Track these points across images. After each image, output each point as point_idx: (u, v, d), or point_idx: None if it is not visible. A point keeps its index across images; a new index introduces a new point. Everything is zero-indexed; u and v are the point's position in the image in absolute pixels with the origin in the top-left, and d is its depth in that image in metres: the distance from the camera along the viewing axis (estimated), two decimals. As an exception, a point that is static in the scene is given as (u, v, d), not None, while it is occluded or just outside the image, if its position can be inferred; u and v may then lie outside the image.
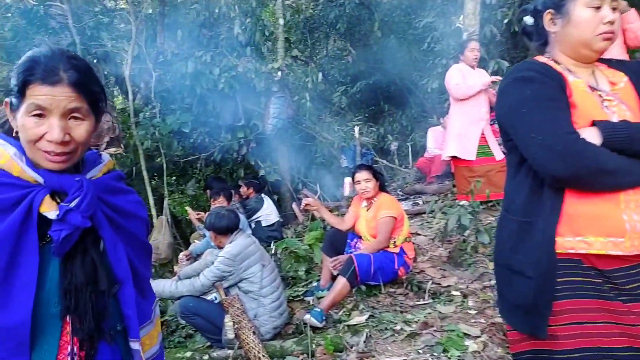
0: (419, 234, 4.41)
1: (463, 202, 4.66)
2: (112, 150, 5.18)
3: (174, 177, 7.67)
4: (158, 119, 5.70)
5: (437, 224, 4.63)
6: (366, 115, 9.07)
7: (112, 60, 5.76)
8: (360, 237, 3.79)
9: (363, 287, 3.46)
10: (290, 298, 3.78)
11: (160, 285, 3.12)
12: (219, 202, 4.69)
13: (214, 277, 3.09)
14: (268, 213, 5.89)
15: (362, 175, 3.69)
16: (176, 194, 7.52)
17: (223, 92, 6.17)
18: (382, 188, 3.80)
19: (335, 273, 3.58)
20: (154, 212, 5.77)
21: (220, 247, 3.30)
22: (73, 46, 5.13)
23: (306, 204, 3.89)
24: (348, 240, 3.80)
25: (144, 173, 5.63)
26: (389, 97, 10.53)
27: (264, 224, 5.86)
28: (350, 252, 3.71)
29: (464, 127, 4.72)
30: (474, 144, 4.63)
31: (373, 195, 3.68)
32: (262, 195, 6.15)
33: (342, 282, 3.31)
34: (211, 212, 3.36)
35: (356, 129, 6.49)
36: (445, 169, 6.56)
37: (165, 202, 5.89)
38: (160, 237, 5.62)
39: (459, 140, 4.73)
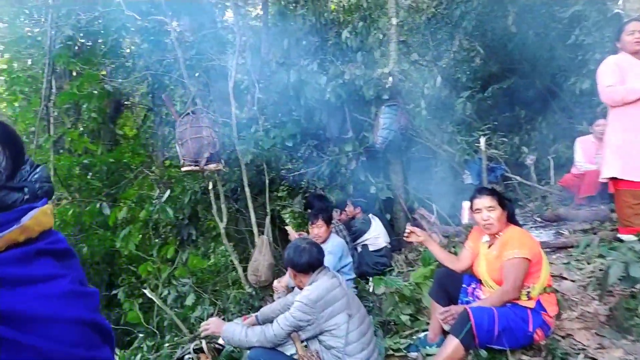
0: (565, 278, 3.37)
1: (628, 237, 3.50)
2: (212, 166, 4.99)
3: (282, 193, 7.41)
4: (261, 132, 5.41)
5: (591, 264, 3.52)
6: (496, 123, 7.89)
7: (220, 73, 5.63)
8: (479, 282, 2.93)
9: (483, 353, 2.61)
10: (391, 351, 3.07)
11: (230, 331, 2.65)
12: (317, 226, 4.16)
13: (289, 326, 2.53)
14: (376, 236, 5.24)
15: (483, 201, 2.84)
16: (286, 211, 7.22)
17: (330, 102, 5.69)
18: (511, 219, 2.90)
19: (446, 328, 2.79)
20: (255, 230, 5.47)
21: (301, 288, 2.73)
22: (177, 62, 5.09)
23: (410, 233, 3.15)
24: (463, 285, 2.97)
25: (246, 189, 5.36)
26: (526, 103, 9.15)
27: (371, 248, 5.22)
28: (467, 302, 2.88)
29: (628, 139, 3.55)
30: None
31: (498, 229, 2.80)
32: (370, 215, 5.50)
33: (454, 343, 2.52)
34: (290, 244, 2.82)
35: (482, 139, 5.50)
36: (599, 188, 5.24)
37: (267, 220, 5.56)
38: (260, 258, 5.29)
39: (621, 156, 3.57)
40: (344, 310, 2.57)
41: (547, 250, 4.10)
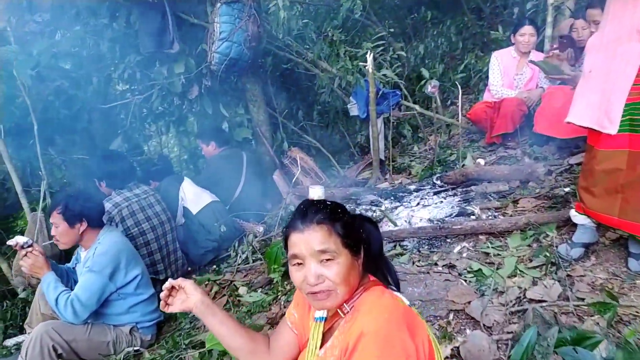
0: (473, 320, 1.95)
1: (579, 218, 2.18)
2: None
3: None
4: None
5: (519, 284, 2.14)
6: (391, 30, 6.20)
7: None
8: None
9: None
10: None
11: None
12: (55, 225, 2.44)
13: None
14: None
15: (305, 236, 1.20)
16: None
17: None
18: (374, 266, 1.32)
19: None
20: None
21: None
22: None
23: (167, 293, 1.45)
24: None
25: None
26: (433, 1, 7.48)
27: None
28: None
29: (592, 65, 2.04)
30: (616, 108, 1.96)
31: (342, 297, 1.21)
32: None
33: None
34: None
35: (369, 56, 3.80)
36: (519, 122, 3.87)
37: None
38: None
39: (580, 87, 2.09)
40: None
41: (449, 239, 2.67)
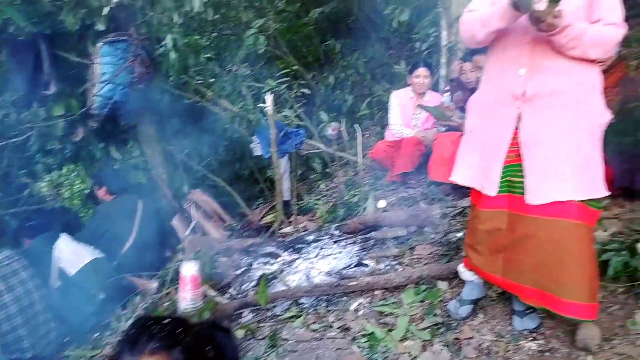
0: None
1: (466, 274, 2.16)
2: None
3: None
4: None
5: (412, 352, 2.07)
6: (305, 60, 6.20)
7: None
8: None
9: None
10: None
11: None
12: None
13: None
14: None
15: None
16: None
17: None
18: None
19: None
20: None
21: None
22: None
23: None
24: None
25: None
26: (345, 32, 7.56)
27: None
28: None
29: (472, 125, 2.05)
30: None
31: None
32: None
33: None
34: None
35: (268, 97, 3.67)
36: (418, 161, 3.93)
37: None
38: None
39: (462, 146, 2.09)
40: None
41: (346, 296, 2.57)
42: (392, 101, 4.21)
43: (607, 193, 1.81)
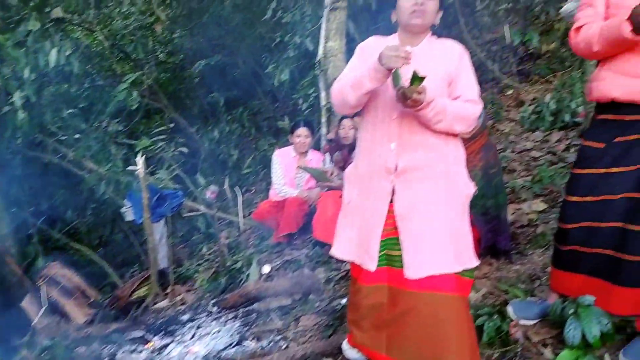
0: None
1: (351, 353, 2.04)
2: None
3: None
4: None
5: None
6: (187, 112, 5.96)
7: None
8: None
9: None
10: None
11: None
12: None
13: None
14: None
15: None
16: None
17: None
18: None
19: None
20: None
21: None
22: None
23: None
24: None
25: None
26: (232, 86, 7.44)
27: None
28: None
29: (350, 198, 2.01)
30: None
31: None
32: None
33: None
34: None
35: (139, 159, 3.37)
36: (302, 222, 3.86)
37: None
38: None
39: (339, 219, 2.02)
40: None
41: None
42: (274, 160, 4.14)
43: (478, 262, 1.85)
